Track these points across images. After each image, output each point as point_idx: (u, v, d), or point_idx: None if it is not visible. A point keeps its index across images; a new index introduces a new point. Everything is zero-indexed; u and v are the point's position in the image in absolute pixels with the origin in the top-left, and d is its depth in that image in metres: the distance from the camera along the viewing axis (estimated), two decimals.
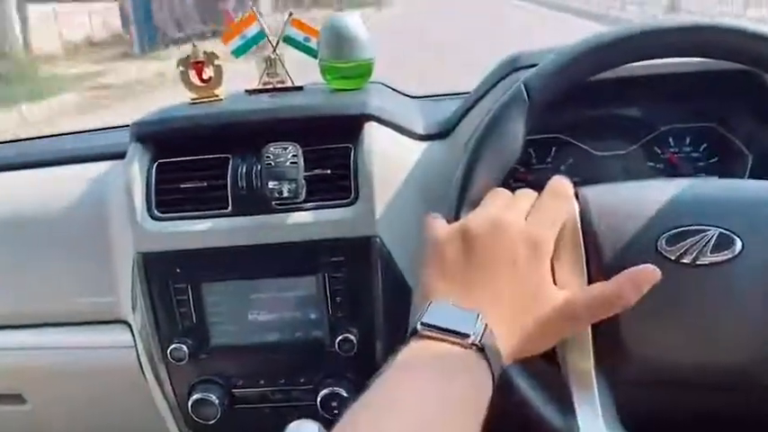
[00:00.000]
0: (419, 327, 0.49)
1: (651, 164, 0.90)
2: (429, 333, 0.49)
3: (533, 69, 0.62)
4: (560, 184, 0.58)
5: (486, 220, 0.55)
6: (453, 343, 0.48)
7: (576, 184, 0.83)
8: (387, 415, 0.45)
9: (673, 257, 0.56)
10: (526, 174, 0.92)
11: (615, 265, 0.54)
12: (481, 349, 0.48)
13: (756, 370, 0.56)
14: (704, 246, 0.55)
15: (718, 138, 0.89)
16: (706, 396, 0.65)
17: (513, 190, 0.85)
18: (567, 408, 0.57)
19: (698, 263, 0.55)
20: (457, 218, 0.59)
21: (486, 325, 0.49)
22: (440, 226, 0.57)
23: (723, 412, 0.66)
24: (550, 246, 0.55)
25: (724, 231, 0.55)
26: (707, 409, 0.68)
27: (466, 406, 0.47)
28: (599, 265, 0.56)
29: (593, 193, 0.60)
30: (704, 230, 0.55)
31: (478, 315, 0.50)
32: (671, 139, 0.90)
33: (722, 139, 0.88)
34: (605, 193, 0.61)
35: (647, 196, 0.59)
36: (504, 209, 0.56)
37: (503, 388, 0.51)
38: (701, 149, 0.90)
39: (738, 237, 0.55)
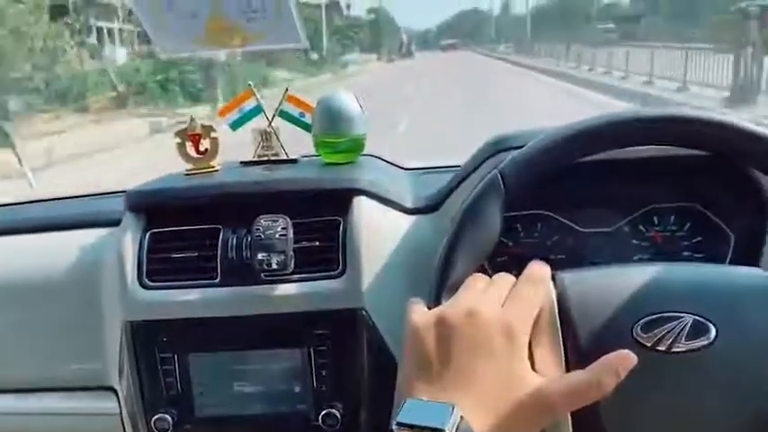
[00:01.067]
0: (395, 428, 0.50)
1: (636, 242, 0.92)
2: None
3: (509, 158, 0.65)
4: (538, 269, 0.59)
5: (462, 309, 0.55)
6: None
7: (560, 261, 0.84)
8: None
9: (648, 344, 0.56)
10: (514, 248, 0.94)
11: (592, 352, 0.54)
12: None
13: None
14: (679, 333, 0.56)
15: (701, 217, 0.90)
16: None
17: (499, 265, 0.87)
18: None
19: (673, 350, 0.56)
20: (437, 302, 0.60)
21: (462, 417, 0.50)
22: (419, 313, 0.58)
23: None
24: (527, 332, 0.55)
25: (698, 318, 0.56)
26: None
27: None
28: (576, 352, 0.56)
29: (570, 278, 0.61)
30: (679, 317, 0.56)
31: (453, 407, 0.50)
32: (655, 218, 0.92)
33: (705, 219, 0.90)
34: (582, 278, 0.62)
35: (624, 282, 0.60)
36: (481, 296, 0.57)
37: None
38: (685, 228, 0.92)
39: (712, 324, 0.56)
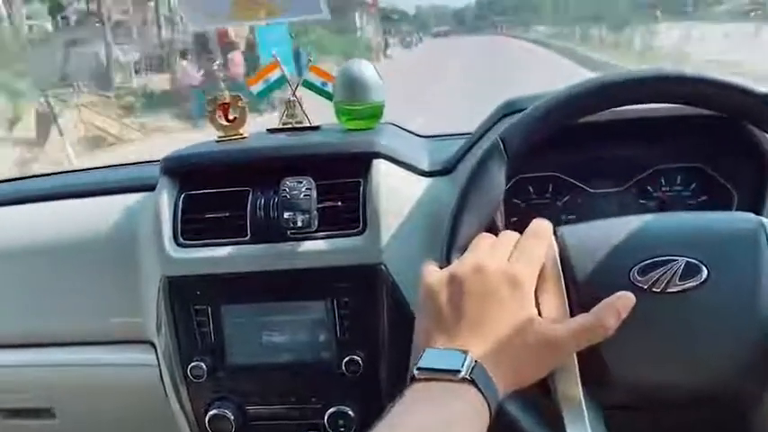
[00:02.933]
0: (415, 372, 0.56)
1: (643, 201, 0.96)
2: (424, 376, 0.55)
3: (509, 123, 0.69)
4: (540, 225, 0.64)
5: (470, 264, 0.60)
6: (446, 380, 0.54)
7: (570, 221, 0.89)
8: None
9: (645, 287, 0.60)
10: (526, 208, 0.98)
11: (593, 298, 0.59)
12: (473, 382, 0.54)
13: (726, 387, 0.61)
14: (673, 275, 0.60)
15: (705, 177, 0.94)
16: (687, 416, 0.70)
17: (511, 225, 0.92)
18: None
19: (668, 290, 0.60)
20: (448, 262, 0.65)
21: (476, 361, 0.55)
22: (432, 273, 0.62)
23: (704, 430, 0.70)
24: (532, 283, 0.60)
25: (690, 260, 0.60)
26: (689, 428, 0.72)
27: (463, 426, 0.52)
28: (579, 298, 0.61)
29: (570, 231, 0.66)
30: (672, 260, 0.61)
31: (467, 352, 0.55)
32: (662, 179, 0.96)
33: (709, 179, 0.94)
34: (581, 231, 0.66)
35: (620, 232, 0.65)
36: (488, 252, 0.62)
37: (498, 417, 0.56)
38: (691, 188, 0.95)
39: (704, 264, 0.60)
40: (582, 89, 0.67)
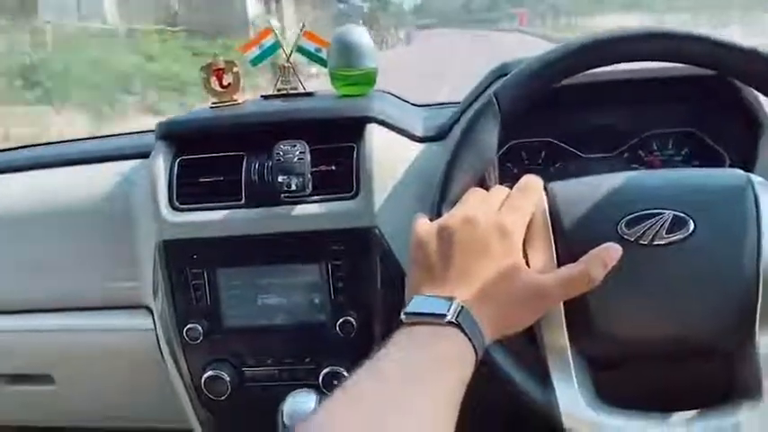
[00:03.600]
0: (403, 317, 0.57)
1: (636, 166, 0.97)
2: (411, 320, 0.56)
3: (502, 80, 0.69)
4: (530, 179, 0.65)
5: (460, 216, 0.61)
6: (432, 324, 0.55)
7: None
8: (374, 376, 0.53)
9: (632, 239, 0.62)
10: (519, 174, 0.98)
11: (581, 250, 0.60)
12: (459, 326, 0.55)
13: (711, 339, 0.62)
14: (660, 227, 0.61)
15: (697, 142, 0.95)
16: (673, 368, 0.71)
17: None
18: (546, 382, 0.63)
19: (655, 243, 0.61)
20: (438, 215, 0.65)
21: (463, 307, 0.56)
22: (422, 225, 0.63)
23: (689, 382, 0.71)
24: (521, 233, 0.61)
25: (677, 213, 0.61)
26: (675, 380, 0.73)
27: (449, 369, 0.53)
28: (566, 250, 0.62)
29: (559, 186, 0.67)
30: (659, 213, 0.62)
31: (454, 298, 0.56)
32: (654, 143, 0.96)
33: (701, 143, 0.94)
34: (570, 185, 0.67)
35: (608, 187, 0.66)
36: (478, 205, 0.63)
37: (485, 366, 0.58)
38: (683, 153, 0.96)
39: (690, 218, 0.61)
40: (576, 45, 0.67)
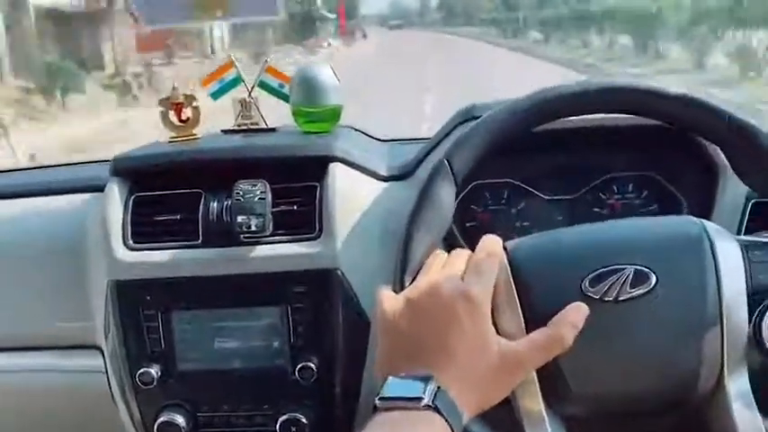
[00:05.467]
0: (377, 403, 0.55)
1: (597, 209, 0.97)
2: (386, 405, 0.55)
3: (453, 142, 0.70)
4: (490, 242, 0.64)
5: (424, 287, 0.60)
6: (409, 408, 0.54)
7: (526, 228, 0.90)
8: None
9: (597, 297, 0.61)
10: (482, 214, 0.99)
11: (547, 311, 0.60)
12: (437, 409, 0.53)
13: (682, 390, 0.62)
14: (623, 283, 0.61)
15: (657, 186, 0.96)
16: (647, 422, 0.71)
17: (468, 230, 0.92)
18: None
19: (620, 299, 0.61)
20: (402, 285, 0.64)
21: (439, 387, 0.55)
22: (386, 299, 0.62)
23: None
24: (487, 299, 0.60)
25: (638, 268, 0.62)
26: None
27: None
28: (534, 312, 0.61)
29: (519, 246, 0.66)
30: (621, 269, 0.62)
31: (429, 378, 0.55)
32: (615, 186, 0.97)
33: (660, 187, 0.96)
34: (530, 244, 0.67)
35: (568, 243, 0.66)
36: (441, 274, 0.62)
37: None
38: (642, 196, 0.97)
39: (652, 271, 0.61)
40: (527, 103, 0.68)
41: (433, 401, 0.53)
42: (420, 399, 0.53)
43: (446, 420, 0.53)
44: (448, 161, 0.68)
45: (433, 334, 0.58)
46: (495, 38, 33.70)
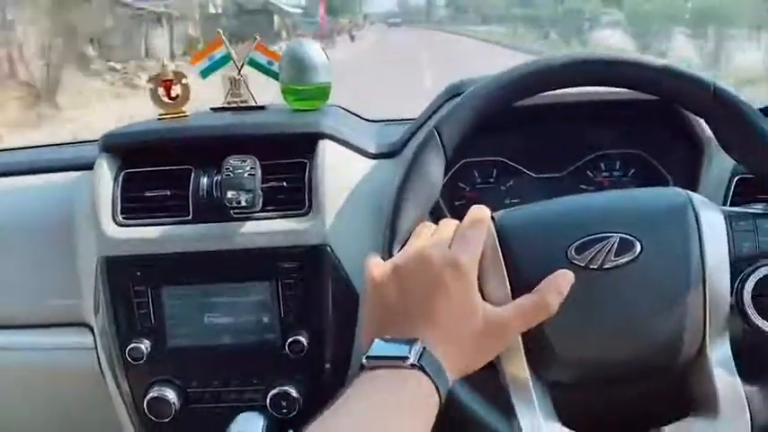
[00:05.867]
0: (364, 361, 0.56)
1: (584, 186, 0.98)
2: (372, 364, 0.56)
3: (443, 113, 0.70)
4: (478, 211, 0.65)
5: (412, 254, 0.61)
6: (394, 367, 0.55)
7: (515, 205, 0.91)
8: (339, 421, 0.51)
9: (582, 264, 0.63)
10: (471, 192, 1.00)
11: (533, 278, 0.61)
12: (422, 368, 0.54)
13: (665, 357, 0.63)
14: (608, 251, 0.62)
15: (644, 163, 0.97)
16: (631, 388, 0.72)
17: (457, 209, 0.93)
18: (508, 412, 0.63)
19: (605, 267, 0.62)
20: (390, 254, 0.65)
21: (424, 348, 0.56)
22: (375, 266, 0.62)
23: (648, 401, 0.72)
24: (474, 267, 0.60)
25: (624, 236, 0.63)
26: (634, 400, 0.75)
27: (413, 413, 0.53)
28: (520, 280, 0.62)
29: (506, 216, 0.67)
30: (607, 237, 0.63)
31: (415, 340, 0.56)
32: (602, 164, 0.98)
33: (647, 164, 0.97)
34: (517, 214, 0.68)
35: (555, 213, 0.67)
36: (429, 242, 0.63)
37: (448, 403, 0.57)
38: (630, 174, 0.98)
39: (636, 239, 0.63)
40: (514, 74, 0.68)
41: (418, 361, 0.54)
42: (406, 358, 0.54)
43: (431, 380, 0.54)
44: (437, 132, 0.68)
45: (419, 300, 0.58)
46: (511, 38, 28.36)
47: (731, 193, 0.87)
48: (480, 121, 0.69)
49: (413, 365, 0.54)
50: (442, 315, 0.58)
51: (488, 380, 0.63)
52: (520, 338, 0.62)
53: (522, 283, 0.62)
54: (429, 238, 0.64)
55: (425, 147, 0.68)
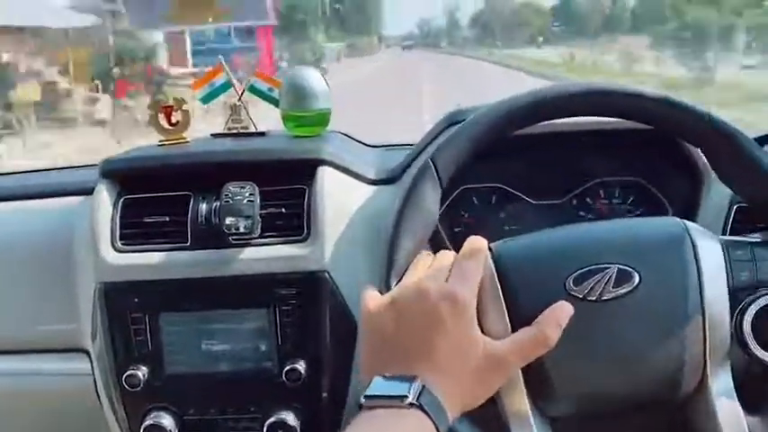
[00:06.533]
0: (362, 400, 0.55)
1: (583, 213, 0.98)
2: (371, 403, 0.55)
3: (440, 141, 0.70)
4: (475, 242, 0.64)
5: (410, 289, 0.60)
6: (393, 407, 0.54)
7: (513, 232, 0.91)
8: None
9: (581, 296, 0.62)
10: (469, 218, 1.00)
11: (532, 310, 0.60)
12: (421, 407, 0.54)
13: (665, 389, 0.63)
14: (606, 282, 0.62)
15: (643, 191, 0.97)
16: (632, 421, 0.71)
17: (456, 235, 0.92)
18: None
19: (603, 298, 0.62)
20: (388, 287, 0.65)
21: (424, 386, 0.55)
22: (372, 300, 0.62)
23: None
24: (472, 301, 0.60)
25: (622, 267, 0.62)
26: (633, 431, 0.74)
27: None
28: (518, 312, 0.62)
29: (504, 246, 0.67)
30: (605, 268, 0.62)
31: (414, 377, 0.55)
32: (601, 191, 0.98)
33: (646, 192, 0.97)
34: (514, 245, 0.68)
35: (552, 243, 0.67)
36: (427, 275, 0.62)
37: None
38: (629, 202, 0.98)
39: (635, 270, 0.62)
40: (512, 104, 0.68)
41: (417, 399, 0.54)
42: (405, 397, 0.54)
43: (431, 419, 0.53)
44: (433, 162, 0.68)
45: (417, 335, 0.58)
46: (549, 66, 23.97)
47: (731, 222, 0.87)
48: (478, 150, 0.69)
49: (411, 404, 0.53)
50: (441, 351, 0.57)
51: (489, 415, 0.63)
52: (520, 372, 0.62)
53: (520, 316, 0.61)
54: (426, 270, 0.63)
55: (421, 177, 0.68)
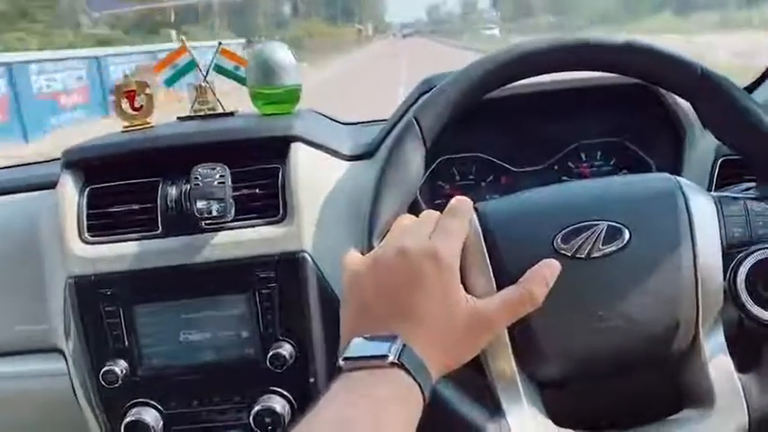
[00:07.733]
0: (341, 363, 0.52)
1: (566, 178, 0.96)
2: (350, 365, 0.52)
3: (421, 101, 0.67)
4: (459, 202, 0.62)
5: (392, 247, 0.57)
6: (374, 367, 0.51)
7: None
8: (312, 428, 0.48)
9: (569, 254, 0.60)
10: (451, 190, 0.97)
11: (518, 269, 0.58)
12: (402, 366, 0.51)
13: (656, 348, 0.61)
14: (595, 239, 0.60)
15: (625, 151, 0.95)
16: (621, 382, 0.70)
17: (436, 207, 0.90)
18: (496, 410, 0.60)
19: (592, 256, 0.60)
20: (370, 248, 0.62)
21: (405, 345, 0.52)
22: (354, 260, 0.60)
23: (639, 395, 0.70)
24: (456, 259, 0.57)
25: (611, 224, 0.60)
26: (624, 394, 0.72)
27: (393, 412, 0.49)
28: (504, 271, 0.60)
29: (490, 205, 0.65)
30: (594, 225, 0.60)
31: (395, 337, 0.53)
32: (583, 154, 0.96)
33: (629, 152, 0.95)
34: (501, 203, 0.66)
35: (539, 202, 0.64)
36: (409, 234, 0.59)
37: (432, 402, 0.54)
38: (611, 163, 0.96)
39: (625, 227, 0.60)
40: (497, 58, 0.66)
41: (398, 358, 0.51)
42: (385, 356, 0.51)
43: (413, 378, 0.51)
44: (416, 120, 0.66)
45: (399, 294, 0.55)
46: None
47: (715, 176, 0.85)
48: (459, 109, 0.66)
49: (393, 364, 0.51)
50: (423, 309, 0.54)
51: (474, 377, 0.61)
52: (506, 332, 0.60)
53: (506, 275, 0.59)
54: (409, 230, 0.61)
55: (404, 137, 0.66)
